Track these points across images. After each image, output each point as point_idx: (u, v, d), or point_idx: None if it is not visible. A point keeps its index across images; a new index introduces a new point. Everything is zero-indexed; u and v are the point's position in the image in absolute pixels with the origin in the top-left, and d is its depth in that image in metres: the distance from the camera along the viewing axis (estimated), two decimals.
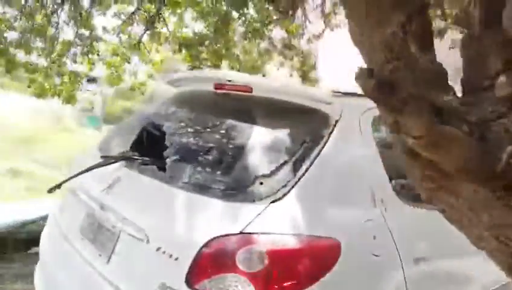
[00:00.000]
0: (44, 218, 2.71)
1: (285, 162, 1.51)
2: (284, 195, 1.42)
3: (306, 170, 1.48)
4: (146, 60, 5.88)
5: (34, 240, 2.45)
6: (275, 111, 1.79)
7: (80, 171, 1.88)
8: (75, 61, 4.97)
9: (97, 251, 1.69)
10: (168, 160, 1.69)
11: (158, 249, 1.43)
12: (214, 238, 1.35)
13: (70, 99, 4.96)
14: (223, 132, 1.76)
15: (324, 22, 4.62)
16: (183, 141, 1.81)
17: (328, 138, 1.58)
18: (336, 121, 1.63)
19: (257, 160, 1.57)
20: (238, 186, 1.50)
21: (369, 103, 1.88)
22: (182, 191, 1.56)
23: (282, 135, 1.66)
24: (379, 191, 1.59)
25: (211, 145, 1.71)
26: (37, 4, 4.33)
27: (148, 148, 1.91)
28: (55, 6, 4.40)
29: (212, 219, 1.44)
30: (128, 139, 2.06)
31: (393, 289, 1.52)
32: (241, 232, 1.34)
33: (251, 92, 1.82)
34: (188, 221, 1.47)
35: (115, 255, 1.60)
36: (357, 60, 0.93)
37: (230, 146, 1.69)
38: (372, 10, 0.82)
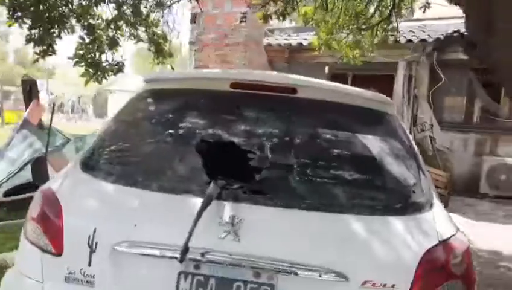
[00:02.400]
0: None
1: (413, 169, 1.63)
2: (431, 199, 1.57)
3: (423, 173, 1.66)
4: None
5: None
6: (338, 114, 1.78)
7: (195, 218, 1.39)
8: None
9: None
10: (294, 183, 1.52)
11: (364, 283, 1.36)
12: (424, 254, 1.39)
13: None
14: (316, 140, 1.70)
15: None
16: (288, 158, 1.60)
17: (409, 137, 1.80)
18: (400, 124, 1.87)
19: (391, 169, 1.62)
20: (399, 199, 1.54)
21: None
22: (338, 215, 1.47)
23: (380, 141, 1.73)
24: None
25: (325, 157, 1.64)
26: None
27: (243, 171, 1.55)
28: None
29: (400, 236, 1.44)
30: (151, 160, 1.68)
31: None
32: (442, 241, 1.44)
33: (295, 93, 1.74)
34: (376, 245, 1.42)
35: None
36: None
37: (346, 157, 1.66)
38: None
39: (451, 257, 1.42)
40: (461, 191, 7.73)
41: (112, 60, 4.19)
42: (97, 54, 4.03)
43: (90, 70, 3.98)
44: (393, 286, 1.36)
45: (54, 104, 4.99)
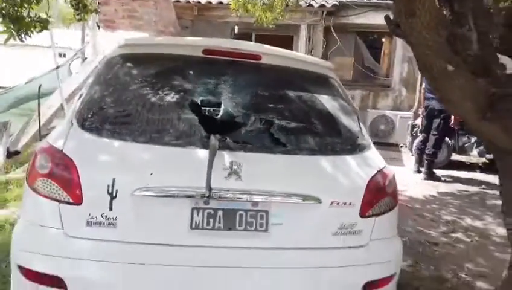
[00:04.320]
0: None
1: (356, 120, 2.13)
2: (369, 142, 2.10)
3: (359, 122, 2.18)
4: None
5: None
6: (293, 78, 2.19)
7: (208, 167, 1.68)
8: None
9: (246, 234, 1.74)
10: (275, 134, 1.88)
11: (331, 203, 1.80)
12: (369, 179, 1.88)
13: None
14: (282, 100, 2.07)
15: None
16: (266, 114, 1.95)
17: (348, 95, 2.32)
18: (341, 85, 2.35)
19: (343, 121, 2.08)
20: (350, 142, 2.03)
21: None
22: (308, 157, 1.89)
23: (331, 99, 2.18)
24: None
25: (292, 113, 2.01)
26: None
27: (229, 124, 1.89)
28: None
29: (353, 168, 1.92)
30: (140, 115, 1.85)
31: None
32: (379, 171, 1.95)
33: (260, 59, 2.08)
34: (338, 176, 1.87)
35: (274, 227, 1.77)
36: None
37: (309, 112, 2.08)
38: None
39: (386, 181, 1.94)
40: None
41: (35, 15, 3.88)
42: (20, 9, 3.69)
43: (12, 27, 3.65)
44: (350, 203, 1.82)
45: None
